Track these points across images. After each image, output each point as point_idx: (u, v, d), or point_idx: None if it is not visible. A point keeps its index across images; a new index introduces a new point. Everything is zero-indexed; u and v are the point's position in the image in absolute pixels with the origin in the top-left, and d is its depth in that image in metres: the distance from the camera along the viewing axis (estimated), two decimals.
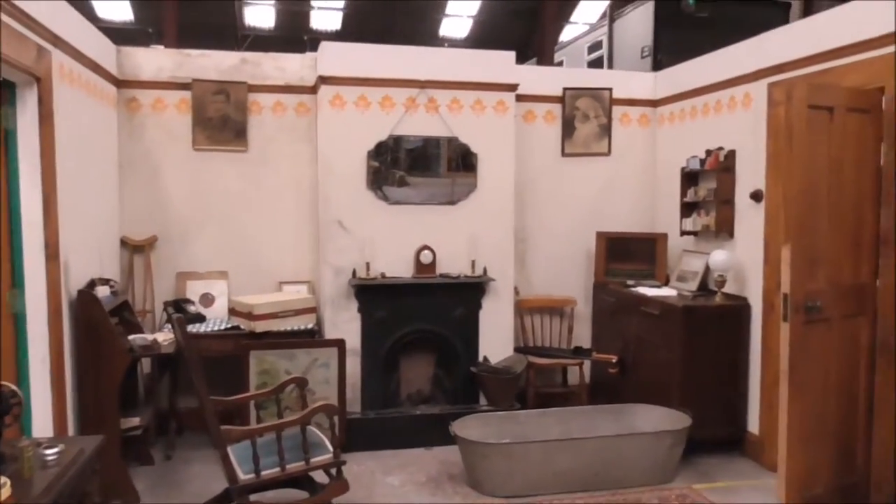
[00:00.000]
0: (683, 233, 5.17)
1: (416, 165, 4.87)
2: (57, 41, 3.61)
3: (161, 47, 10.36)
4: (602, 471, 4.04)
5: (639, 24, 9.47)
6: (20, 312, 3.38)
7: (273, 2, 12.91)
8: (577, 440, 4.09)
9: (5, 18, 2.98)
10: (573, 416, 4.53)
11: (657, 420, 4.37)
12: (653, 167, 5.72)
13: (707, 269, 4.85)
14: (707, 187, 4.94)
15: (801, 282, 3.41)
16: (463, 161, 4.94)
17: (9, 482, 1.91)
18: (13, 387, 2.23)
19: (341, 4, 12.98)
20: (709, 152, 4.92)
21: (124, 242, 4.91)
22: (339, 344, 4.55)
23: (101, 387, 3.81)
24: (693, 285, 4.93)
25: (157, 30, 12.16)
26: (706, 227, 4.92)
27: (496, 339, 5.04)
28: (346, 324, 4.80)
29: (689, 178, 5.11)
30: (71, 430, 3.71)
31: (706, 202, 4.95)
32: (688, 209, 5.14)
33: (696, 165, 5.01)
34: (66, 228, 3.65)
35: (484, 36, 13.75)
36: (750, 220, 4.55)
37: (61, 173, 3.59)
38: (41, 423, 3.44)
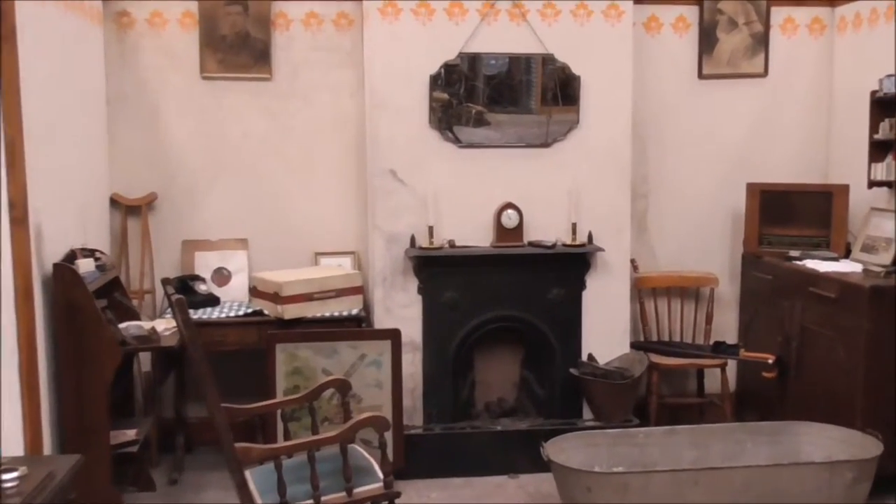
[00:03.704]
0: (873, 184, 4.95)
1: (497, 98, 4.80)
2: None
3: None
4: None
5: None
6: None
7: None
8: (718, 470, 3.99)
9: None
10: (712, 436, 4.43)
11: (832, 445, 4.24)
12: (828, 92, 5.51)
13: None
14: None
15: None
16: (561, 89, 4.81)
17: None
18: None
19: None
20: None
21: (115, 202, 5.00)
22: (394, 335, 4.57)
23: (84, 390, 3.87)
24: (886, 258, 4.70)
25: None
26: None
27: (606, 331, 4.97)
28: (402, 309, 4.81)
29: (884, 107, 4.87)
30: (48, 447, 3.77)
31: None
32: (880, 150, 4.90)
33: (892, 88, 4.73)
34: (38, 184, 3.67)
35: None
36: None
37: (29, 112, 3.59)
38: (9, 437, 3.48)
